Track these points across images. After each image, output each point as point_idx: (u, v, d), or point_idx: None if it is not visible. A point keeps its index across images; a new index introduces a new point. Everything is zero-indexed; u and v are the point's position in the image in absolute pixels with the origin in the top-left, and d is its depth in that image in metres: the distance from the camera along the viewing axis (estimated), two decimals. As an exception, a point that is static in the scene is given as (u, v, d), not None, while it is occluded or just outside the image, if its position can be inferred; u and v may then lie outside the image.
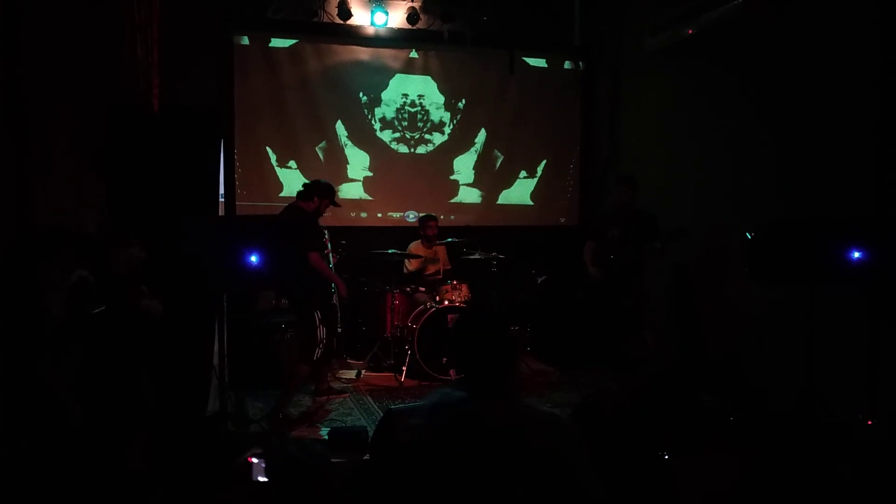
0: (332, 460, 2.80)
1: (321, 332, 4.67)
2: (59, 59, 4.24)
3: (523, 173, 7.52)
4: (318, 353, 4.70)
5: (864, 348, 4.21)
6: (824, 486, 3.25)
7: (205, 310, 4.76)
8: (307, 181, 5.39)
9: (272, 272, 3.68)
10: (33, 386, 3.37)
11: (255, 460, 2.16)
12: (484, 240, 6.41)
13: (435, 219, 6.53)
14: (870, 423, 3.83)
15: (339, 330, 5.25)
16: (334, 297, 5.03)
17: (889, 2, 4.18)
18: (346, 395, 5.35)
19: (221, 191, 6.16)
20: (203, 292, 4.54)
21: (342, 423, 4.67)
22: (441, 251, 6.59)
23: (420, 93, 7.15)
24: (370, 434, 3.98)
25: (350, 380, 5.79)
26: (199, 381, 4.67)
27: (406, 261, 6.43)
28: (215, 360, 4.66)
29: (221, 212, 6.10)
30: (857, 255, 3.88)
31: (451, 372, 5.64)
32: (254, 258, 3.59)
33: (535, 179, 7.56)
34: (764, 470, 3.39)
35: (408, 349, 5.67)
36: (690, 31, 5.62)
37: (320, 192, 4.96)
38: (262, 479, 2.13)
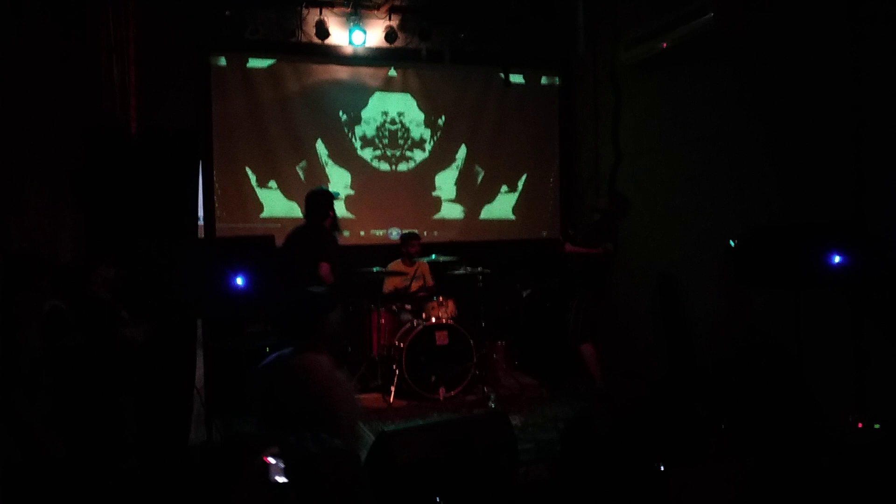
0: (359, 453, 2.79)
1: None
2: (32, 81, 4.17)
3: (504, 188, 7.54)
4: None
5: (850, 351, 4.26)
6: (817, 491, 3.26)
7: (187, 335, 4.68)
8: (313, 191, 5.38)
9: (260, 296, 3.61)
10: (9, 423, 3.26)
11: (272, 460, 2.08)
12: (468, 255, 6.39)
13: (417, 237, 6.51)
14: (860, 425, 3.86)
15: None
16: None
17: (856, 10, 4.28)
18: (334, 416, 5.27)
19: (200, 213, 6.11)
20: (186, 317, 4.46)
21: (332, 445, 4.59)
22: (423, 268, 6.56)
23: (400, 110, 7.16)
24: (363, 458, 3.92)
25: (337, 401, 5.70)
26: (181, 409, 4.57)
27: (385, 280, 6.37)
28: (199, 386, 4.57)
29: (201, 234, 6.05)
30: (837, 259, 3.93)
31: (441, 390, 5.60)
32: (240, 280, 3.53)
33: (517, 194, 7.58)
34: (758, 478, 3.39)
35: (395, 368, 5.60)
36: (665, 45, 5.70)
37: (328, 204, 5.14)
38: (280, 479, 2.05)
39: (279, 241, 5.01)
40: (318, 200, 5.18)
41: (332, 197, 5.26)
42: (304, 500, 2.02)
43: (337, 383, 2.76)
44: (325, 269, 4.88)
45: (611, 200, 5.67)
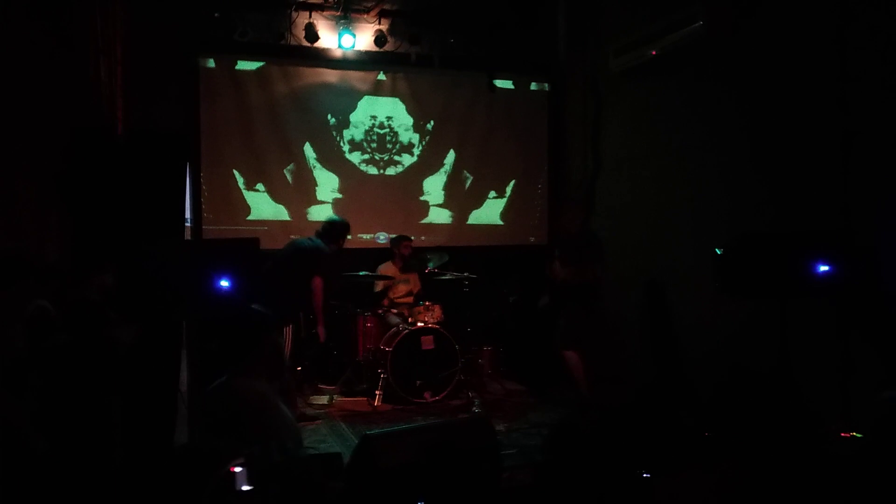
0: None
1: (287, 354, 4.63)
2: (17, 79, 4.14)
3: (493, 193, 7.55)
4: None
5: (835, 360, 4.28)
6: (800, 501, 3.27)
7: (172, 336, 4.65)
8: (336, 219, 5.72)
9: (245, 299, 3.59)
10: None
11: (237, 469, 2.09)
12: (455, 260, 6.39)
13: (409, 239, 6.50)
14: (843, 435, 3.88)
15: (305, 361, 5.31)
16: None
17: (846, 19, 4.32)
18: (318, 421, 5.25)
19: (188, 215, 6.08)
20: (172, 319, 4.43)
21: (316, 450, 4.57)
22: (414, 274, 6.56)
23: (389, 114, 7.15)
24: (345, 460, 3.90)
25: (322, 405, 5.69)
26: (166, 411, 4.53)
27: (375, 282, 6.37)
28: (183, 388, 4.54)
29: (188, 236, 6.01)
30: (823, 268, 3.95)
31: (427, 395, 5.59)
32: (224, 283, 3.50)
33: (505, 199, 7.59)
34: (742, 487, 3.40)
35: (381, 372, 5.59)
36: (654, 53, 5.74)
37: (343, 235, 5.53)
38: (245, 487, 2.06)
39: (264, 245, 5.02)
40: (338, 229, 5.53)
41: (348, 232, 5.62)
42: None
43: (266, 416, 2.72)
44: (317, 283, 5.00)
45: (582, 235, 5.72)
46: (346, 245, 6.90)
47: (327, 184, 6.96)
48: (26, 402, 3.41)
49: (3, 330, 3.48)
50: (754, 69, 4.99)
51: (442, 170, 7.36)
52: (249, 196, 6.70)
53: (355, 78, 7.01)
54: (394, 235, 6.66)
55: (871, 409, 3.47)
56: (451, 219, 7.40)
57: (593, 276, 5.46)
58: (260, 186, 6.73)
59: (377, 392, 5.56)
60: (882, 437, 2.88)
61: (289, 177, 6.84)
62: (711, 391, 5.15)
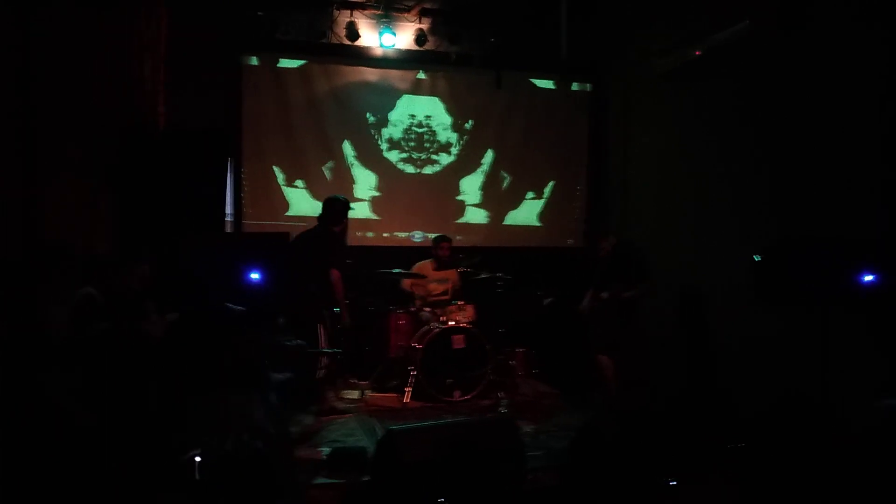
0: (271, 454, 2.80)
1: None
2: (69, 77, 4.29)
3: (530, 194, 7.50)
4: (320, 372, 4.67)
5: (877, 374, 4.12)
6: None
7: (213, 327, 4.75)
8: (333, 197, 5.50)
9: (281, 290, 3.66)
10: (36, 397, 3.35)
11: (197, 459, 2.17)
12: (491, 260, 6.36)
13: (448, 240, 6.47)
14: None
15: (341, 352, 5.29)
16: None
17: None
18: (349, 415, 5.29)
19: (229, 209, 6.22)
20: (211, 310, 4.53)
21: (344, 443, 4.61)
22: (452, 273, 6.54)
23: (427, 113, 7.18)
24: (369, 455, 3.93)
25: (354, 400, 5.73)
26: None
27: (402, 280, 6.36)
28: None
29: (228, 230, 6.15)
30: (868, 277, 3.81)
31: (456, 393, 5.59)
32: (255, 275, 3.57)
33: (543, 201, 7.53)
34: (767, 498, 3.31)
35: (412, 370, 5.61)
36: (698, 53, 5.61)
37: (344, 213, 5.31)
38: (199, 476, 2.15)
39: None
40: (336, 207, 5.32)
41: (348, 206, 5.39)
42: (220, 495, 2.11)
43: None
44: (336, 275, 4.97)
45: (617, 250, 5.61)
46: (382, 243, 6.99)
47: (365, 181, 7.02)
48: (74, 382, 3.53)
49: (47, 314, 3.62)
50: (801, 71, 4.84)
51: (479, 169, 7.35)
52: (289, 192, 6.81)
53: (395, 77, 7.06)
54: (436, 235, 6.64)
55: (870, 416, 3.35)
56: (487, 219, 7.38)
57: (629, 293, 5.37)
58: (299, 183, 6.83)
59: (407, 389, 5.58)
60: (880, 443, 2.79)
61: (328, 174, 6.92)
62: (749, 406, 5.00)
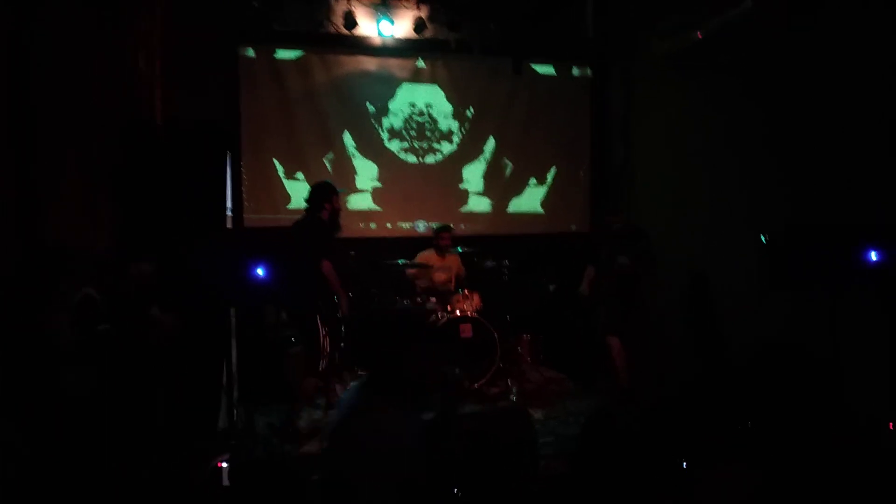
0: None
1: (326, 343, 4.64)
2: (69, 75, 4.23)
3: (533, 181, 7.45)
4: (323, 364, 4.65)
5: (886, 354, 4.10)
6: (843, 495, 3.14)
7: (216, 325, 4.73)
8: (315, 183, 5.47)
9: (278, 284, 3.63)
10: (37, 398, 3.34)
11: (224, 465, 2.15)
12: (494, 248, 6.33)
13: (448, 229, 6.45)
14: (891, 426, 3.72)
15: (342, 344, 5.25)
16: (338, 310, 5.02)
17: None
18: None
19: (229, 204, 6.17)
20: (214, 307, 4.51)
21: (353, 436, 4.59)
22: (454, 261, 6.52)
23: (428, 102, 7.12)
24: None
25: (361, 392, 5.72)
26: (211, 397, 4.63)
27: (406, 270, 6.34)
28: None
29: (229, 225, 6.11)
30: (875, 257, 3.78)
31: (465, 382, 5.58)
32: (260, 271, 3.54)
33: (546, 187, 7.49)
34: (785, 483, 3.29)
35: (419, 360, 5.59)
36: (700, 35, 5.55)
37: (325, 196, 5.07)
38: (228, 482, 2.13)
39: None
40: (316, 192, 5.19)
41: (331, 190, 5.21)
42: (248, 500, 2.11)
43: None
44: (327, 266, 4.85)
45: (625, 228, 5.56)
46: (385, 234, 6.94)
47: (366, 172, 6.97)
48: (84, 383, 3.52)
49: (49, 316, 3.59)
50: (806, 53, 4.78)
51: (482, 157, 7.30)
52: (289, 185, 6.76)
53: (394, 65, 6.99)
54: (437, 225, 6.61)
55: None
56: (490, 207, 7.34)
57: (632, 270, 5.34)
58: (299, 175, 6.78)
59: (415, 380, 5.57)
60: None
61: (328, 165, 6.87)
62: (753, 374, 4.99)
